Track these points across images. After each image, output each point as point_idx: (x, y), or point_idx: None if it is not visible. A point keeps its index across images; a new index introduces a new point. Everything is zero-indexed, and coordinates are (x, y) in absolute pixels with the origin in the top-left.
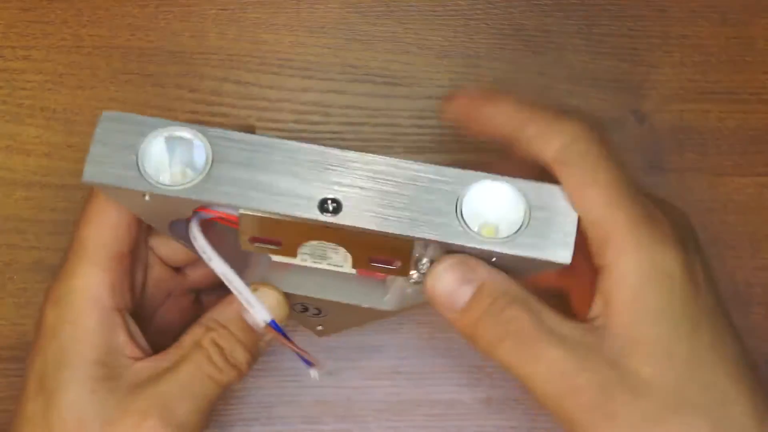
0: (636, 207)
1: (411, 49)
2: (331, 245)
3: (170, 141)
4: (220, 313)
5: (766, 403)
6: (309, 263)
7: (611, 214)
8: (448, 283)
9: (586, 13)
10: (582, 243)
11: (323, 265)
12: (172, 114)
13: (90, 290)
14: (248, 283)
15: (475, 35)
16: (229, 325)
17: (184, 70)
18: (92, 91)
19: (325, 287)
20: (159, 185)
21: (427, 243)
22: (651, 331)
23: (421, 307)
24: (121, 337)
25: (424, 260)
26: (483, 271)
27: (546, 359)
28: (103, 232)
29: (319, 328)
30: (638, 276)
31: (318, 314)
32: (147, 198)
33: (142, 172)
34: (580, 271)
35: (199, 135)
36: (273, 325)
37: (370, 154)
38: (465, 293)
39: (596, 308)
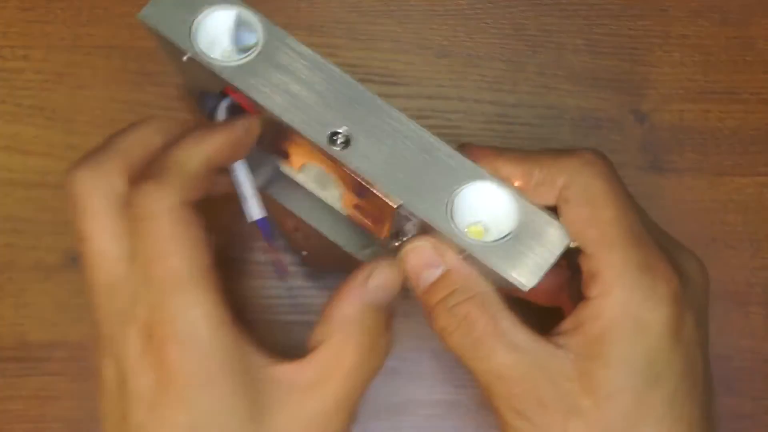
0: (634, 252)
1: (411, 48)
2: (331, 176)
3: (233, 18)
4: (350, 308)
5: None
6: (310, 185)
7: (605, 255)
8: (416, 261)
9: (586, 13)
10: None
11: (321, 195)
12: (171, 113)
13: (211, 315)
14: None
15: (475, 35)
16: (367, 318)
17: None
18: (91, 91)
19: (318, 217)
20: (200, 52)
21: (408, 215)
22: (602, 373)
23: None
24: (253, 352)
25: (405, 234)
26: (451, 260)
27: (490, 360)
28: (193, 252)
29: (304, 253)
30: (612, 318)
31: (307, 239)
32: (184, 59)
33: (192, 33)
34: (578, 293)
35: (260, 27)
36: (261, 224)
37: (400, 112)
38: (430, 275)
39: (564, 326)
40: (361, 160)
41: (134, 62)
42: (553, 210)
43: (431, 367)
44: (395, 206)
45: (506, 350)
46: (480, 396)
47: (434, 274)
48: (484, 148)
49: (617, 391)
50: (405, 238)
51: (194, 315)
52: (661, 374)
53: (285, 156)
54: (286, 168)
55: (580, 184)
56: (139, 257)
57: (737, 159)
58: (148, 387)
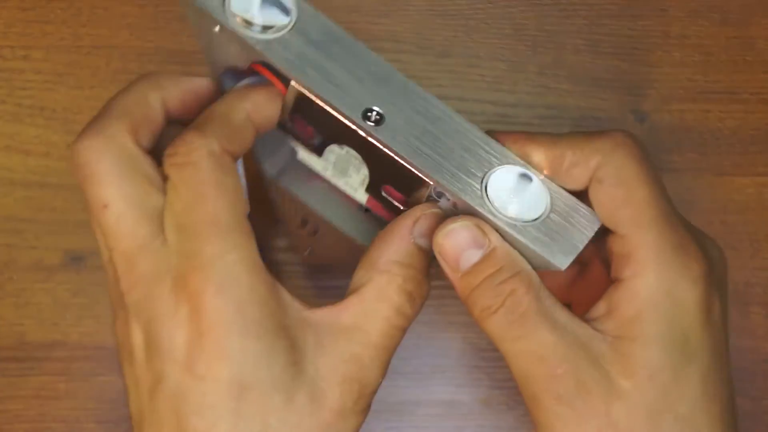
0: (668, 230)
1: (411, 48)
2: (356, 162)
3: None
4: (396, 251)
5: None
6: (329, 173)
7: (640, 235)
8: (458, 241)
9: (586, 13)
10: (594, 258)
11: (340, 183)
12: None
13: (248, 260)
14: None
15: (475, 35)
16: (413, 262)
17: (183, 69)
18: (91, 91)
19: (332, 209)
20: (234, 23)
21: (436, 198)
22: (640, 352)
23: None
24: (286, 296)
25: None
26: (496, 239)
27: (533, 339)
28: (231, 198)
29: (306, 252)
30: (648, 297)
31: (313, 235)
32: (216, 30)
33: (226, 5)
34: (587, 287)
35: (292, 4)
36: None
37: (432, 95)
38: (473, 256)
39: (597, 311)
40: (395, 138)
41: (134, 62)
42: (584, 193)
43: (431, 367)
44: (431, 184)
45: (550, 329)
46: (480, 395)
47: (477, 254)
48: (513, 133)
49: (657, 371)
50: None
51: (232, 259)
52: (696, 352)
53: (305, 141)
54: (304, 154)
55: (614, 164)
56: (174, 206)
57: (737, 159)
58: (183, 343)
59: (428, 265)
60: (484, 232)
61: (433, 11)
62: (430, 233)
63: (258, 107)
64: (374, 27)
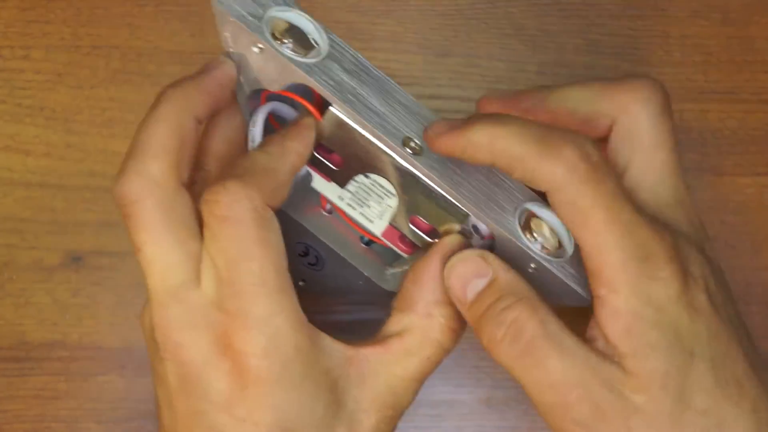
0: (629, 239)
1: (411, 48)
2: (380, 191)
3: (298, 19)
4: (433, 292)
5: None
6: (345, 203)
7: (601, 253)
8: (462, 273)
9: (586, 13)
10: None
11: (355, 213)
12: None
13: (292, 319)
14: None
15: (475, 35)
16: (451, 299)
17: (183, 69)
18: (91, 91)
19: (338, 241)
20: (276, 45)
21: (471, 232)
22: (644, 366)
23: None
24: (328, 340)
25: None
26: (498, 268)
27: (542, 367)
28: (275, 257)
29: (301, 283)
30: (630, 311)
31: (314, 265)
32: (256, 50)
33: (265, 25)
34: None
35: (323, 30)
36: None
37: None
38: (476, 286)
39: (592, 331)
40: (435, 168)
41: (134, 62)
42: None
43: None
44: (468, 215)
45: (558, 356)
46: (480, 395)
47: (479, 284)
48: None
49: (666, 378)
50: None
51: (279, 321)
52: (694, 347)
53: (323, 167)
54: (320, 181)
55: (566, 193)
56: (216, 259)
57: (737, 159)
58: (223, 391)
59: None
60: (487, 262)
61: (433, 11)
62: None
63: (300, 157)
64: (374, 27)
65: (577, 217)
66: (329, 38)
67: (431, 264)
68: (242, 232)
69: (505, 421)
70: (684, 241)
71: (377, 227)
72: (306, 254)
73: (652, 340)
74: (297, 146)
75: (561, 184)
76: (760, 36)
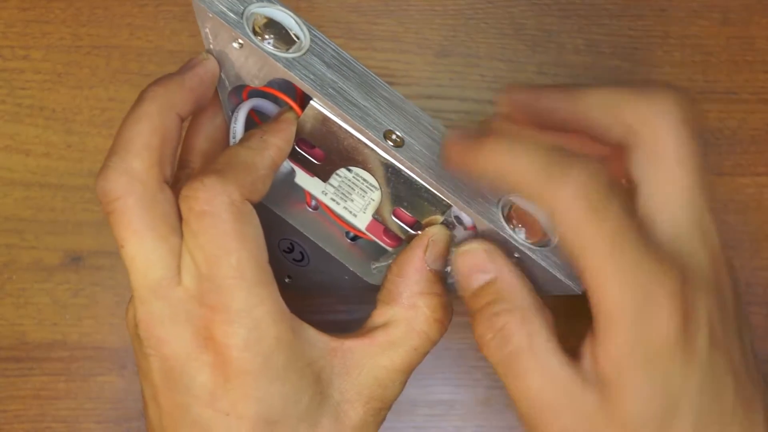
0: (630, 278)
1: (411, 48)
2: (363, 185)
3: (279, 14)
4: (417, 283)
5: None
6: (328, 198)
7: (600, 290)
8: (470, 262)
9: (586, 13)
10: None
11: (339, 208)
12: None
13: (273, 312)
14: None
15: (475, 35)
16: (435, 290)
17: None
18: (91, 91)
19: (324, 237)
20: (257, 41)
21: (454, 223)
22: (624, 405)
23: None
24: (311, 331)
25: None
26: (503, 267)
27: (521, 380)
28: (254, 250)
29: (287, 280)
30: (621, 352)
31: (299, 261)
32: (236, 46)
33: (245, 20)
34: None
35: (304, 25)
36: None
37: (442, 124)
38: (478, 280)
39: (584, 349)
40: (417, 160)
41: (134, 62)
42: None
43: (431, 367)
44: (450, 206)
45: (538, 373)
46: (479, 395)
47: (482, 279)
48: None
49: (642, 420)
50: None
51: (259, 313)
52: (680, 400)
53: (305, 163)
54: (303, 177)
55: (567, 227)
56: (197, 254)
57: (737, 159)
58: (206, 384)
59: (446, 286)
60: (491, 260)
61: (433, 11)
62: (443, 256)
63: (280, 152)
64: (374, 27)
65: (578, 250)
66: (311, 33)
67: (414, 256)
68: (220, 227)
69: (504, 421)
70: (693, 277)
71: (361, 221)
72: (291, 250)
73: (639, 383)
74: (277, 141)
75: (564, 216)
76: (760, 36)
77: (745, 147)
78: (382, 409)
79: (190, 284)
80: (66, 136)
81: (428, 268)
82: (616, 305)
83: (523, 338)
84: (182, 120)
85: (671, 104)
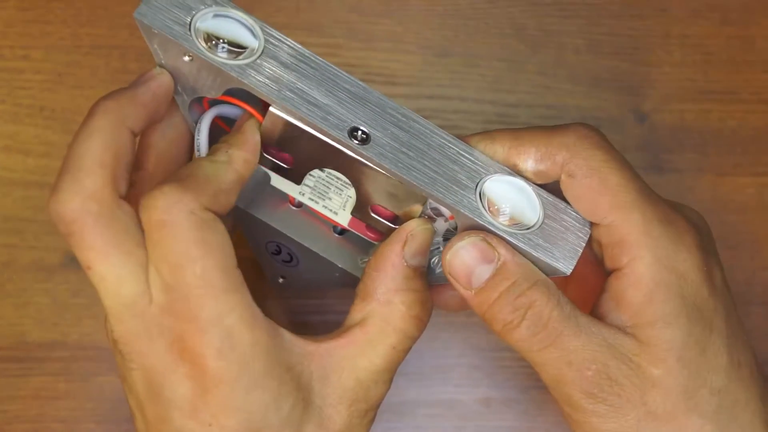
0: (650, 207)
1: (411, 48)
2: (338, 183)
3: (226, 19)
4: (393, 279)
5: None
6: (306, 198)
7: (625, 217)
8: (467, 259)
9: (586, 13)
10: (585, 254)
11: (319, 207)
12: None
13: (246, 317)
14: None
15: (475, 35)
16: (412, 285)
17: None
18: (91, 91)
19: (308, 236)
20: (206, 52)
21: (432, 215)
22: (662, 335)
23: None
24: (287, 336)
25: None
26: (505, 251)
27: (559, 346)
28: (218, 256)
29: (281, 280)
30: (653, 277)
31: (288, 262)
32: (186, 59)
33: (193, 32)
34: (577, 283)
35: (257, 26)
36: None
37: (409, 109)
38: (484, 272)
39: (604, 307)
40: (385, 156)
41: (134, 62)
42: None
43: (431, 367)
44: (425, 202)
45: (574, 333)
46: (480, 395)
47: (488, 269)
48: (473, 135)
49: (684, 350)
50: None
51: (230, 321)
52: (712, 321)
53: (278, 166)
54: (278, 180)
55: (582, 157)
56: (160, 266)
57: (737, 159)
58: (186, 396)
59: (426, 282)
60: (491, 246)
61: (433, 11)
62: (423, 251)
63: (248, 163)
64: (374, 27)
65: (594, 182)
66: (264, 33)
67: (391, 251)
68: (180, 235)
69: (504, 421)
70: (696, 223)
71: (342, 218)
72: (279, 252)
73: (673, 308)
74: (242, 154)
75: (574, 149)
76: (760, 36)
77: (745, 147)
78: (369, 411)
79: (159, 297)
80: (66, 136)
81: (406, 263)
82: (641, 230)
83: (554, 308)
84: (135, 135)
85: (586, 131)
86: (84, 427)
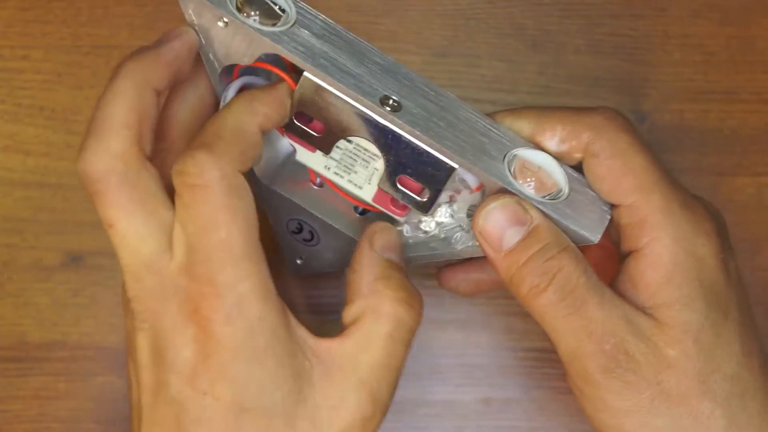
0: (671, 191)
1: (411, 48)
2: (365, 155)
3: None
4: (372, 271)
5: None
6: (332, 172)
7: (646, 199)
8: (499, 220)
9: (586, 13)
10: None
11: (343, 182)
12: None
13: (259, 289)
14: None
15: (475, 35)
16: (393, 273)
17: None
18: (91, 91)
19: (329, 213)
20: (241, 17)
21: (459, 187)
22: (680, 316)
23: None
24: (294, 322)
25: (443, 208)
26: (537, 215)
27: (582, 315)
28: (244, 224)
29: (299, 261)
30: (672, 259)
31: (309, 240)
32: (221, 24)
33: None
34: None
35: (290, 1)
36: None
37: (438, 85)
38: (515, 234)
39: (620, 287)
40: (417, 124)
41: None
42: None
43: (431, 367)
44: (456, 168)
45: (598, 304)
46: (479, 395)
47: (520, 231)
48: (499, 112)
49: (700, 333)
50: (445, 214)
51: (244, 289)
52: (728, 307)
53: (306, 138)
54: (304, 153)
55: (607, 138)
56: (186, 226)
57: (737, 159)
58: (189, 360)
59: (406, 274)
60: (524, 209)
61: (433, 11)
62: (392, 246)
63: (268, 119)
64: (374, 27)
65: (618, 162)
66: (296, 6)
67: (362, 248)
68: (211, 200)
69: (504, 421)
70: (714, 213)
71: (367, 192)
72: (300, 231)
73: (691, 291)
74: (264, 108)
75: (600, 130)
76: (760, 36)
77: (745, 147)
78: (371, 420)
79: (180, 257)
80: (66, 136)
81: (381, 256)
82: (662, 211)
83: (581, 275)
84: (159, 95)
85: (613, 114)
86: (84, 427)
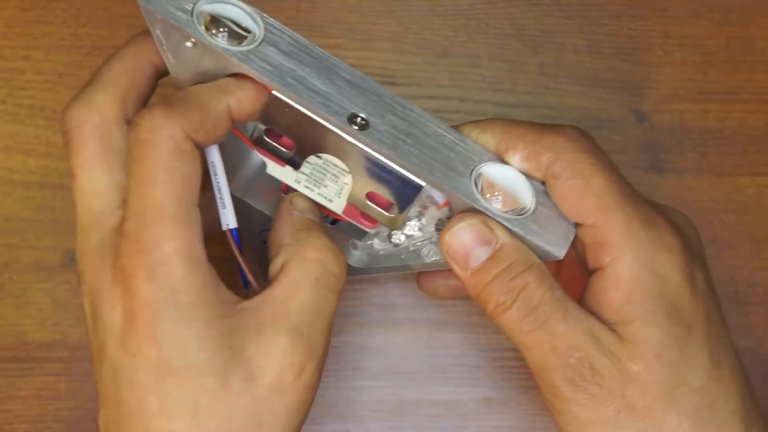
0: (633, 209)
1: (411, 48)
2: (335, 170)
3: (226, 5)
4: (293, 224)
5: (755, 410)
6: (302, 186)
7: (608, 218)
8: (466, 240)
9: (586, 13)
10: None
11: (314, 195)
12: None
13: (184, 251)
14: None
15: (475, 35)
16: (312, 226)
17: None
18: None
19: None
20: (208, 37)
21: (426, 203)
22: (641, 333)
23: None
24: (224, 288)
25: (413, 222)
26: (503, 234)
27: (546, 330)
28: (181, 186)
29: None
30: (632, 277)
31: None
32: (189, 44)
33: (195, 18)
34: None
35: (257, 15)
36: (233, 233)
37: (406, 100)
38: (481, 254)
39: (586, 303)
40: (384, 142)
41: None
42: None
43: (431, 367)
44: (423, 186)
45: (562, 319)
46: (480, 395)
47: (486, 251)
48: (466, 123)
49: (662, 348)
50: (413, 227)
51: (169, 249)
52: (693, 322)
53: (276, 153)
54: (274, 168)
55: (568, 159)
56: (129, 182)
57: (737, 159)
58: (118, 321)
59: (323, 230)
60: (490, 229)
61: (433, 11)
62: (310, 208)
63: (241, 105)
64: (374, 27)
65: (578, 183)
66: (264, 23)
67: (281, 211)
68: (152, 156)
69: (504, 421)
70: (678, 225)
71: (337, 206)
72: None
73: (652, 307)
74: (239, 92)
75: (561, 151)
76: (760, 36)
77: (745, 147)
78: (304, 369)
79: (119, 214)
80: None
81: (300, 214)
82: (623, 231)
83: (546, 292)
84: (157, 70)
85: (575, 134)
86: (84, 427)
